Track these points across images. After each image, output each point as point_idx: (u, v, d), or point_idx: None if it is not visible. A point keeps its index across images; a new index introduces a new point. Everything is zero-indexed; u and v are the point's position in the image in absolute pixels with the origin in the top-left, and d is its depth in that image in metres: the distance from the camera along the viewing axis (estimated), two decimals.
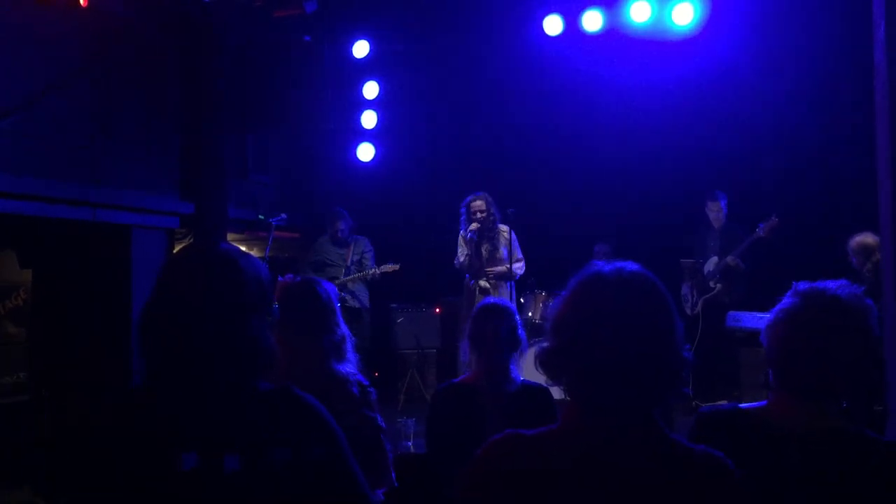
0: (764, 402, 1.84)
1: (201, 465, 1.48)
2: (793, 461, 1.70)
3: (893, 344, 2.86)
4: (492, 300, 3.37)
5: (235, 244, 1.86)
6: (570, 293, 1.44)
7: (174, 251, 5.77)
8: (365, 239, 7.42)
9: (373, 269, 7.03)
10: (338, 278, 7.14)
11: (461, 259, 6.59)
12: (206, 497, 1.48)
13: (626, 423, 1.37)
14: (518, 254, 6.53)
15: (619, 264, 1.43)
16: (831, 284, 1.78)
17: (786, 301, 1.82)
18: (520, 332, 3.19)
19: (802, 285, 1.82)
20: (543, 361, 1.43)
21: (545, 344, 1.44)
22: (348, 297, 7.13)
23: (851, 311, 1.73)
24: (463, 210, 6.57)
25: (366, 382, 2.92)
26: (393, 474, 2.90)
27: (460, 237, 6.65)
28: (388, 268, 6.97)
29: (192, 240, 5.87)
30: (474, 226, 6.46)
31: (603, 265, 1.44)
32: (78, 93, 4.94)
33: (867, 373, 1.74)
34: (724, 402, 6.41)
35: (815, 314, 1.74)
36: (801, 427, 1.73)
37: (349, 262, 7.25)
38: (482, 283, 6.52)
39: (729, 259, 6.71)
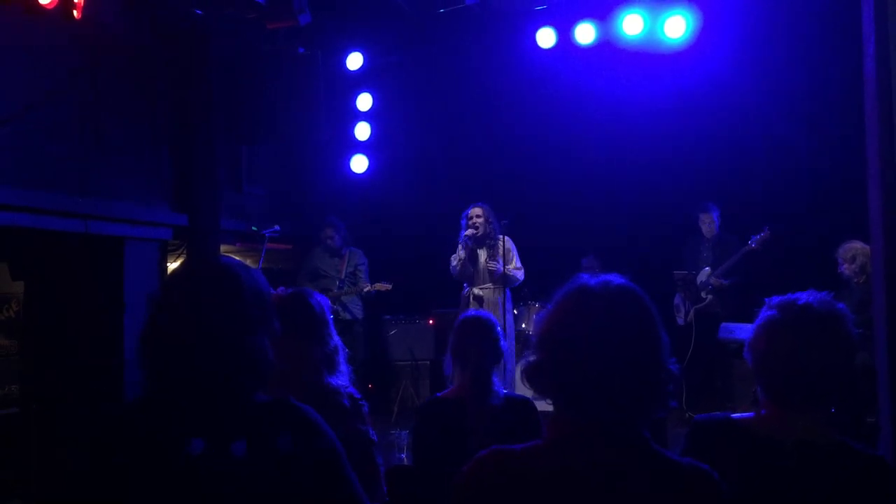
0: (753, 413, 1.85)
1: (209, 449, 1.51)
2: (782, 472, 1.71)
3: (883, 354, 2.86)
4: (473, 313, 3.37)
5: (230, 256, 1.87)
6: (557, 307, 1.44)
7: (169, 264, 5.76)
8: (359, 251, 7.41)
9: (367, 286, 7.06)
10: (331, 290, 7.13)
11: (454, 263, 6.61)
12: (214, 481, 1.50)
13: (613, 436, 1.36)
14: (517, 262, 6.57)
15: (606, 277, 1.43)
16: (803, 294, 1.80)
17: (762, 316, 1.84)
18: (501, 343, 3.20)
19: (775, 299, 1.84)
20: (530, 376, 1.43)
21: (532, 358, 1.43)
22: (340, 310, 7.12)
23: (824, 317, 1.76)
24: (463, 218, 6.63)
25: (357, 395, 2.89)
26: (384, 488, 2.89)
27: (458, 245, 6.67)
28: (381, 286, 7.05)
29: (184, 252, 5.85)
30: (469, 231, 6.50)
31: (589, 278, 1.44)
32: (70, 104, 4.93)
33: (848, 376, 1.75)
34: (717, 413, 6.40)
35: (790, 325, 1.76)
36: (789, 438, 1.74)
37: (343, 275, 7.25)
38: (475, 290, 6.54)
39: (712, 279, 6.75)
